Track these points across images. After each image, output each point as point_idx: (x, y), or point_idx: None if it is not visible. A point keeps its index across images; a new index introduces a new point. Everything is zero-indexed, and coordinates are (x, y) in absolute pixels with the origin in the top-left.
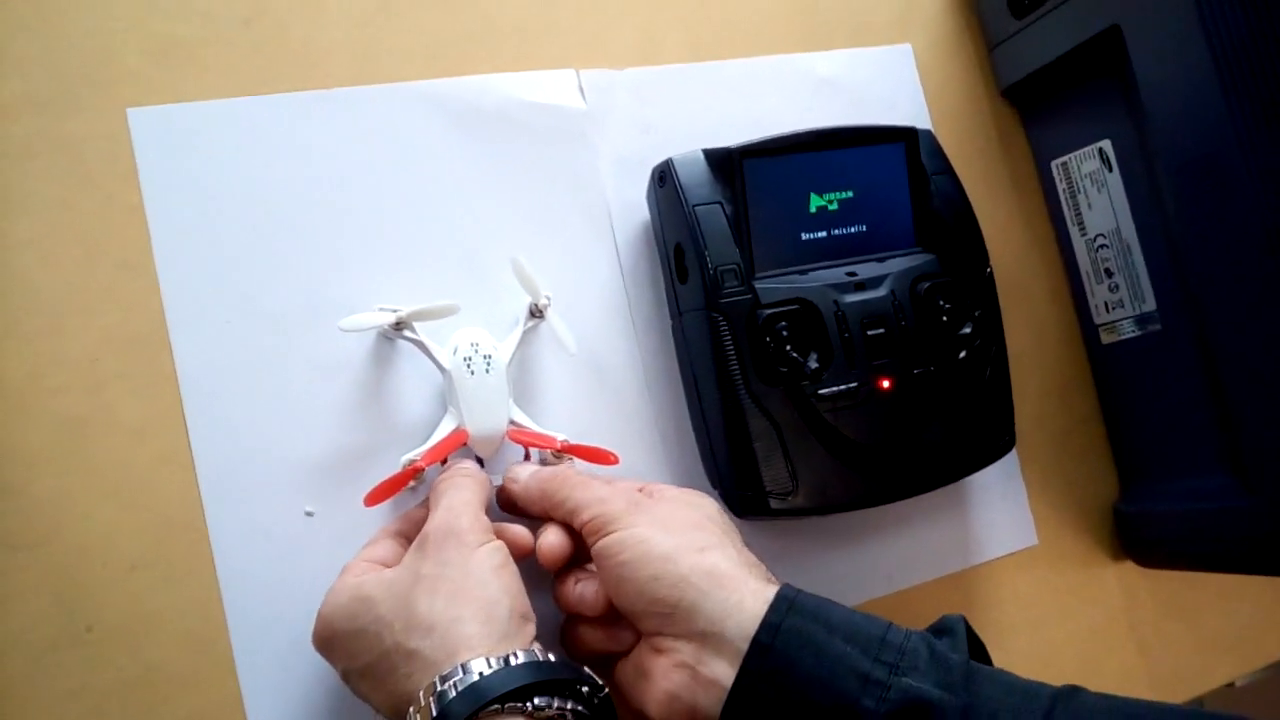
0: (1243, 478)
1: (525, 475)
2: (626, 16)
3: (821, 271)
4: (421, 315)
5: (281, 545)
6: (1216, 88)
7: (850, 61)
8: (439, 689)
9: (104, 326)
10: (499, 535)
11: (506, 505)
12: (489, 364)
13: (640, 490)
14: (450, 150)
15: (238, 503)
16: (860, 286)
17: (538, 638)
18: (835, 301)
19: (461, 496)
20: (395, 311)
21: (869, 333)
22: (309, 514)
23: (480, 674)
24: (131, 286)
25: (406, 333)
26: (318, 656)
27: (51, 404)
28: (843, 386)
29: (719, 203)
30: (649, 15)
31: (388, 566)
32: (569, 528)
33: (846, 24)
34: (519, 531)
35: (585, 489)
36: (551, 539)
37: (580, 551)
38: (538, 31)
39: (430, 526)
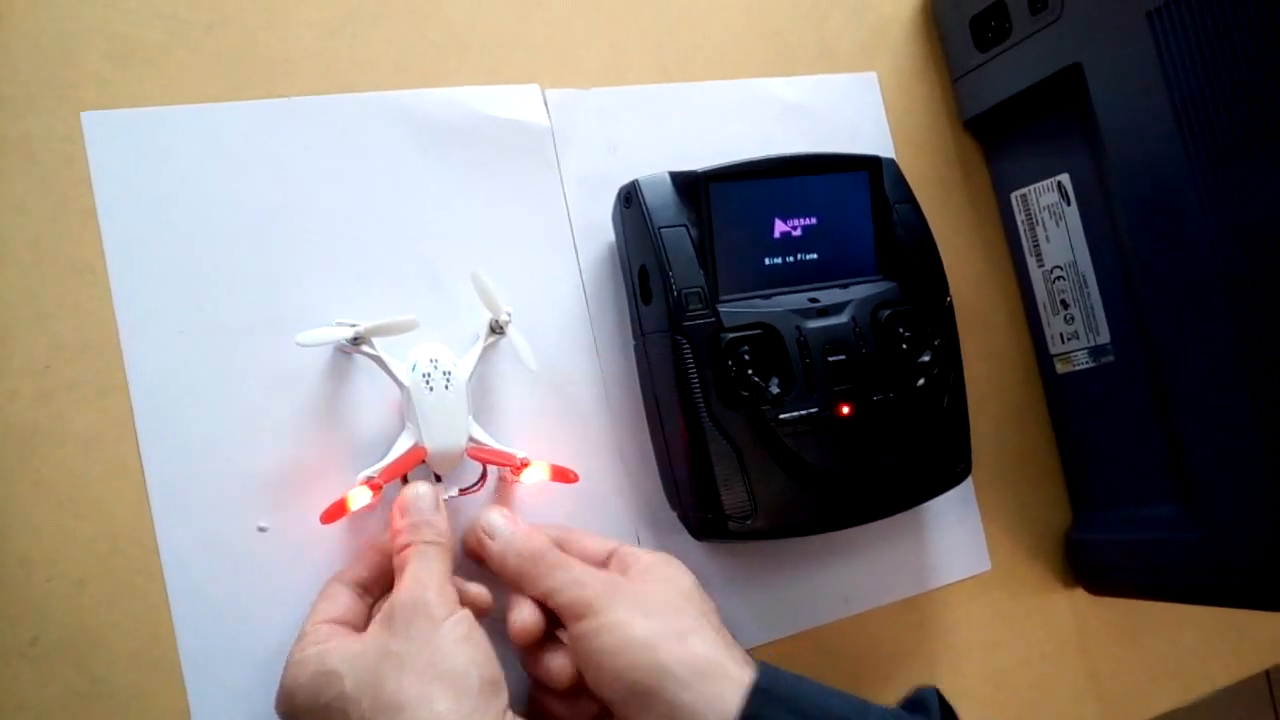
0: (1192, 509)
1: (501, 534)
2: (594, 36)
3: (784, 297)
4: (380, 330)
5: (233, 560)
6: (1174, 129)
7: (815, 88)
8: None
9: (55, 333)
10: (459, 594)
11: (472, 555)
12: (448, 380)
13: (612, 556)
14: (412, 162)
15: (189, 516)
16: (822, 312)
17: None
18: (797, 327)
19: (427, 567)
20: (353, 326)
21: (830, 359)
22: (262, 529)
23: None
24: (84, 293)
25: (364, 348)
26: (269, 674)
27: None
28: (803, 411)
29: (684, 225)
30: (616, 36)
31: (347, 625)
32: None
33: (813, 50)
34: (479, 593)
35: (562, 570)
36: (526, 618)
37: (550, 621)
38: (505, 48)
39: (396, 599)
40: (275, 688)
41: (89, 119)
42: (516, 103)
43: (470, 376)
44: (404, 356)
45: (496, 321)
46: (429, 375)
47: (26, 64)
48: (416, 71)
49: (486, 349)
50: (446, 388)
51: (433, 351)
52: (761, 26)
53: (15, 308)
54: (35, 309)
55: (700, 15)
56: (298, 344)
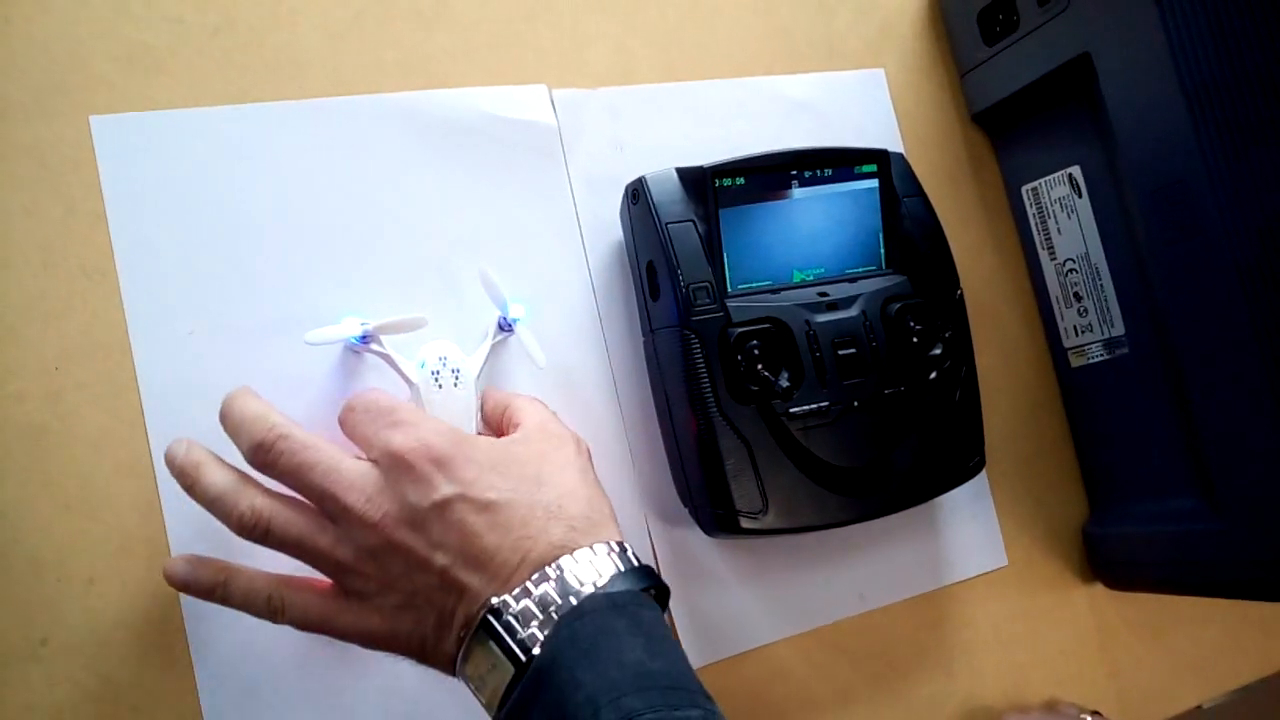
0: (1210, 501)
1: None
2: (601, 36)
3: (793, 291)
4: (389, 328)
5: (243, 559)
6: (1185, 115)
7: (823, 85)
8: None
9: (65, 334)
10: None
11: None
12: (457, 377)
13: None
14: (420, 163)
15: (199, 516)
16: (831, 306)
17: None
18: (806, 321)
19: None
20: (362, 324)
21: (840, 352)
22: None
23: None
24: (93, 294)
25: (374, 346)
26: (281, 672)
27: (10, 412)
28: (813, 405)
29: (691, 221)
30: (623, 35)
31: None
32: None
33: (820, 48)
34: None
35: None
36: None
37: None
38: (512, 49)
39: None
40: (287, 686)
41: (98, 123)
42: (524, 103)
43: (479, 373)
44: (413, 354)
45: (505, 319)
46: (438, 373)
47: (35, 69)
48: (423, 73)
49: (495, 346)
50: (455, 385)
51: (442, 349)
52: (768, 24)
53: (25, 309)
54: (45, 310)
55: (706, 14)
56: (306, 343)
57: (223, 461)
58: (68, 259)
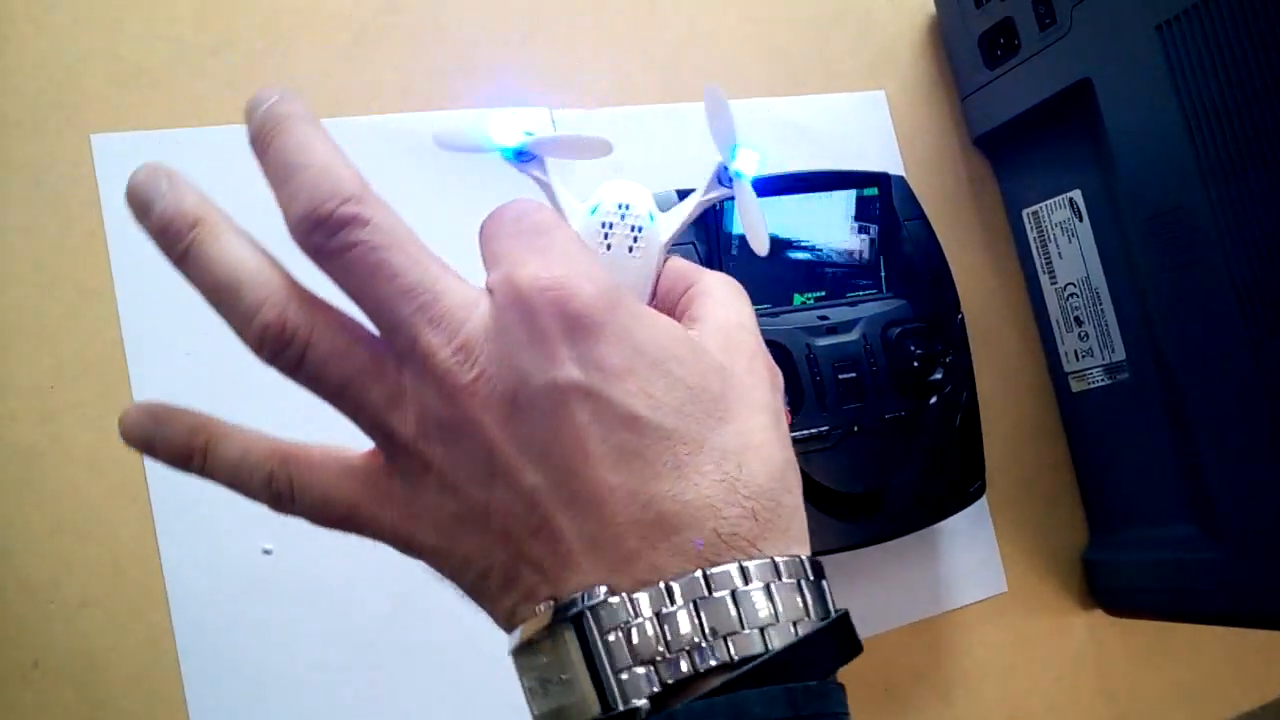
0: (1210, 528)
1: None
2: (601, 57)
3: (793, 314)
4: (563, 147)
5: (237, 583)
6: (1185, 141)
7: (823, 107)
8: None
9: (60, 354)
10: None
11: None
12: (636, 238)
13: None
14: (418, 185)
15: (193, 538)
16: (832, 330)
17: None
18: (807, 344)
19: None
20: (527, 133)
21: (840, 376)
22: (267, 551)
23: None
24: (90, 314)
25: (534, 169)
26: (272, 698)
27: (2, 432)
28: (813, 430)
29: (691, 243)
30: (623, 57)
31: None
32: None
33: (820, 70)
34: None
35: None
36: None
37: None
38: (512, 70)
39: None
40: (283, 711)
41: (99, 141)
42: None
43: (668, 240)
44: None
45: (726, 168)
46: (611, 226)
47: (33, 88)
48: (423, 95)
49: (702, 207)
50: (631, 248)
51: (626, 194)
52: (768, 47)
53: (21, 328)
54: (41, 329)
55: (706, 36)
56: (436, 143)
57: (239, 229)
58: (65, 278)
